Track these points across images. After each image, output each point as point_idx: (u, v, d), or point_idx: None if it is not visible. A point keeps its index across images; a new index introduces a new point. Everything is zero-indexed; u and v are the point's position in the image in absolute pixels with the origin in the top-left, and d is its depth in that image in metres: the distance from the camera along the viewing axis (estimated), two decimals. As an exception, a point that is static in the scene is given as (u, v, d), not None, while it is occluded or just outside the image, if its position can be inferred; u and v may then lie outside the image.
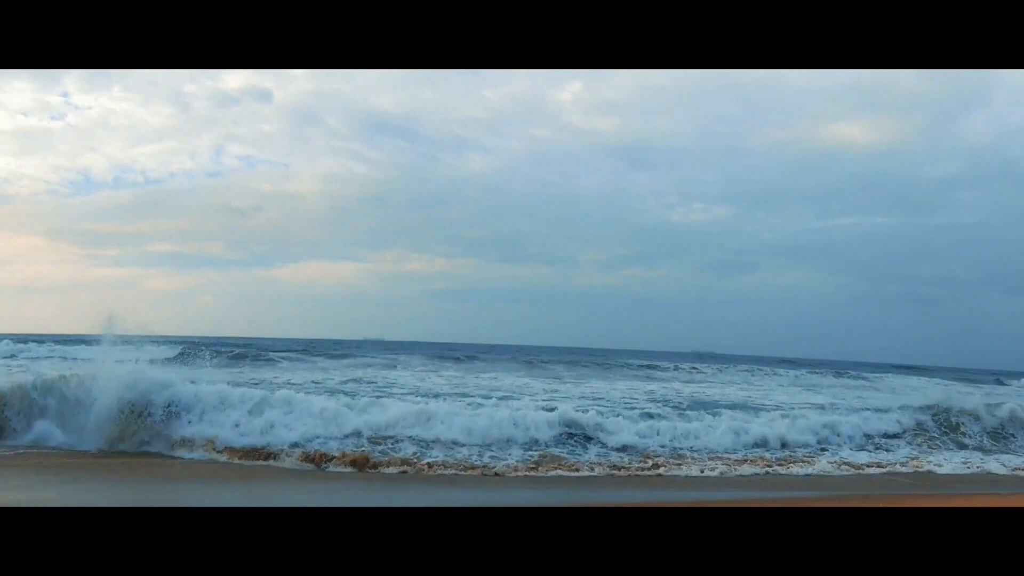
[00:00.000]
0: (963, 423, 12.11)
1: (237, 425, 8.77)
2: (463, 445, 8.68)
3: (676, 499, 5.98)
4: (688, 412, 11.73)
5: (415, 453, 8.29)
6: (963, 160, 63.20)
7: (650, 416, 10.93)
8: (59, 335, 27.75)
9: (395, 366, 22.10)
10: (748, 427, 10.41)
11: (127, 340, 9.61)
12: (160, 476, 6.65)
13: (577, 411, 10.14)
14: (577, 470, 7.90)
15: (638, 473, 7.88)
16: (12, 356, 20.85)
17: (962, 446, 11.28)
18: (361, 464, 7.76)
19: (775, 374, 28.25)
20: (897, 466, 9.35)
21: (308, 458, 7.99)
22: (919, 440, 11.26)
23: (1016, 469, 9.43)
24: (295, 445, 8.45)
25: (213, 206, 66.18)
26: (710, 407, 12.96)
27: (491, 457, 8.35)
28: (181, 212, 66.52)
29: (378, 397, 10.79)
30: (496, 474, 7.30)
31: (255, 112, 64.10)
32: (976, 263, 64.81)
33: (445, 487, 6.43)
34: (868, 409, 12.79)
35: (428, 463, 7.83)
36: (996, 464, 9.74)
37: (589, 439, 9.47)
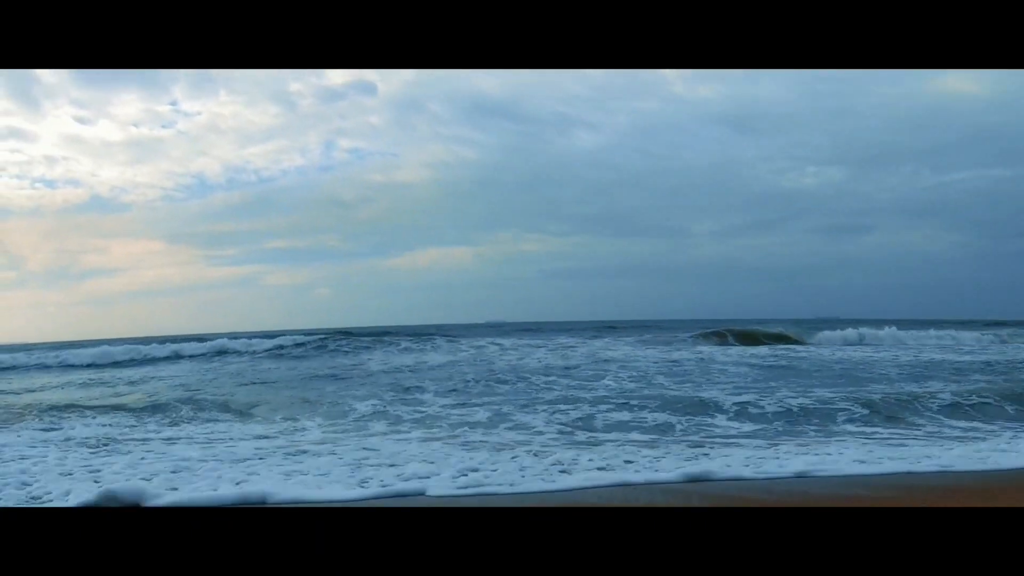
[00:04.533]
0: None
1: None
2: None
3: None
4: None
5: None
6: (1082, 107, 55.99)
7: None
8: (184, 335, 29.74)
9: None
10: None
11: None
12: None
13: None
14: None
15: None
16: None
17: None
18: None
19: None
20: None
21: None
22: None
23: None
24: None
25: (326, 200, 69.27)
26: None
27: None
28: (295, 208, 70.02)
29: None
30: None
31: (361, 105, 66.43)
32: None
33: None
34: None
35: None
36: None
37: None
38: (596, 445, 8.31)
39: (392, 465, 6.90)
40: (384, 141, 71.68)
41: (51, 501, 5.63)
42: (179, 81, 55.97)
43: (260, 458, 7.34)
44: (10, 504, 5.55)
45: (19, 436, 9.42)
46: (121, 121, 60.46)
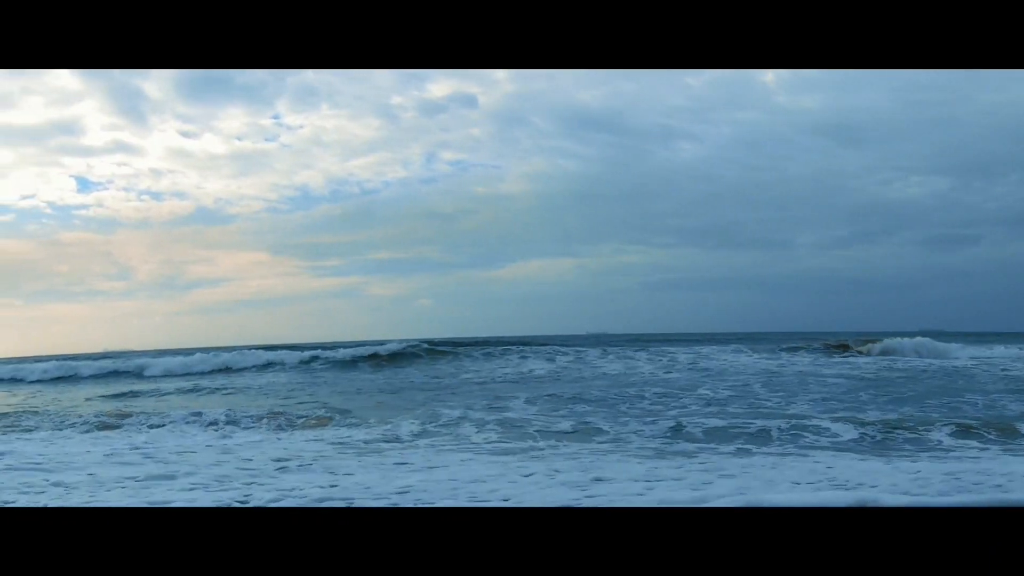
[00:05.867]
0: None
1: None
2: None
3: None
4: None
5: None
6: None
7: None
8: (290, 344, 30.68)
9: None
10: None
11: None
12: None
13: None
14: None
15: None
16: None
17: None
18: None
19: None
20: None
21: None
22: None
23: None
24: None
25: (428, 212, 70.12)
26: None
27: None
28: (398, 220, 71.11)
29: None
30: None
31: (462, 118, 66.83)
32: None
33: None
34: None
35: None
36: None
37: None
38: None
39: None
40: (486, 153, 72.36)
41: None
42: (282, 95, 58.67)
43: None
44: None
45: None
46: (226, 135, 63.79)
